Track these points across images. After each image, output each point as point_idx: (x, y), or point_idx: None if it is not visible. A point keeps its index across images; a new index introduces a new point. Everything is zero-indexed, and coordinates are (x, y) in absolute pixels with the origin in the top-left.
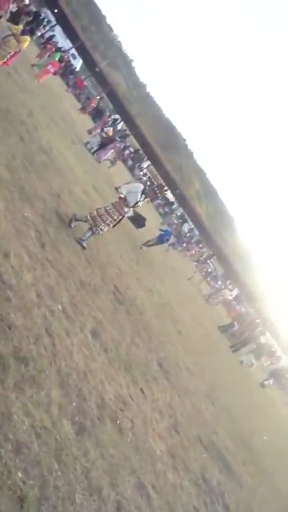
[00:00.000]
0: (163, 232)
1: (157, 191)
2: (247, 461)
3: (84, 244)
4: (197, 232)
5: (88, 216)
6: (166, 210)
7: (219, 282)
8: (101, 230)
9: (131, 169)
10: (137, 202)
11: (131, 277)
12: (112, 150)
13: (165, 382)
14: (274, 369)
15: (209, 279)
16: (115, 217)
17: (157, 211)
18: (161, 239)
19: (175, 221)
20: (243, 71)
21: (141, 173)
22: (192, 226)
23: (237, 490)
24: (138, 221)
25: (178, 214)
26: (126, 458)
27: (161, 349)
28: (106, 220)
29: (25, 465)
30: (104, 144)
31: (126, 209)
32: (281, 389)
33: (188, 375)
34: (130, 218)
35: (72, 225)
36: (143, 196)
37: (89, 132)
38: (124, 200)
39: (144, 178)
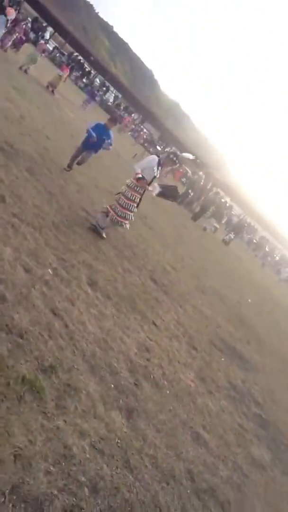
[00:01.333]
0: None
1: (175, 159)
2: (249, 337)
3: (104, 235)
4: (120, 95)
5: (109, 208)
6: (85, 82)
7: (158, 148)
8: (130, 220)
9: (34, 43)
10: (154, 177)
11: (90, 187)
12: (17, 34)
13: (165, 297)
14: (230, 222)
15: (146, 145)
16: (137, 200)
17: (77, 86)
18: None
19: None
20: None
21: (47, 44)
22: (117, 94)
23: (257, 378)
24: (170, 193)
25: (98, 82)
26: (174, 415)
27: (146, 261)
28: (131, 208)
29: (106, 500)
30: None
31: (150, 188)
32: (241, 240)
33: (176, 276)
34: (160, 195)
35: (104, 235)
36: (160, 167)
37: None
38: (145, 181)
39: (56, 52)
